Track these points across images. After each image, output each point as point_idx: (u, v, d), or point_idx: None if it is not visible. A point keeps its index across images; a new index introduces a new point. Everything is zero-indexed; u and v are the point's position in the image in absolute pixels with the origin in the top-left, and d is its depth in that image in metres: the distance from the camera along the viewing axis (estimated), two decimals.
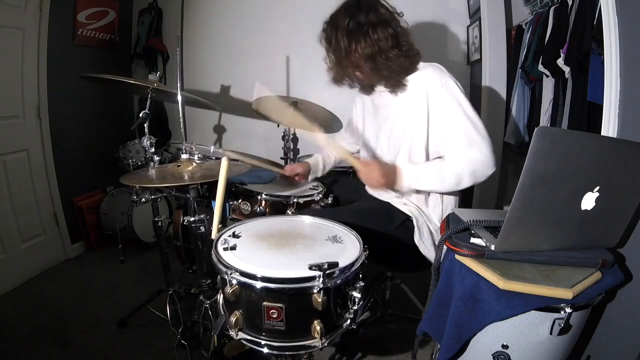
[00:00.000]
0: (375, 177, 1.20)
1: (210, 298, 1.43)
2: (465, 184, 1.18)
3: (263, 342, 0.87)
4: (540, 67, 1.75)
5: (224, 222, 1.49)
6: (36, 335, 1.68)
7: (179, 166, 1.35)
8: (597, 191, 0.82)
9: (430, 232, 1.31)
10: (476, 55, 2.23)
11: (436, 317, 0.98)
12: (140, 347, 1.61)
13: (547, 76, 1.78)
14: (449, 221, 1.05)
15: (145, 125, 1.62)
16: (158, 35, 2.75)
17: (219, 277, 0.89)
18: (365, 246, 0.95)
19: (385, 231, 1.26)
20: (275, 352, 0.88)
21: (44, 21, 2.11)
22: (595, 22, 1.36)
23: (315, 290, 0.81)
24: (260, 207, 1.43)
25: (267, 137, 2.59)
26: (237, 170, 1.35)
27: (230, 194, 1.50)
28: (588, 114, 1.50)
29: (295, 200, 1.43)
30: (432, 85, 1.20)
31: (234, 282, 0.84)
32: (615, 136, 1.01)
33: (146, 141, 1.58)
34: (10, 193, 2.05)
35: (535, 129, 0.73)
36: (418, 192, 1.32)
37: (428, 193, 1.33)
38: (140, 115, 1.61)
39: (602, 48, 1.11)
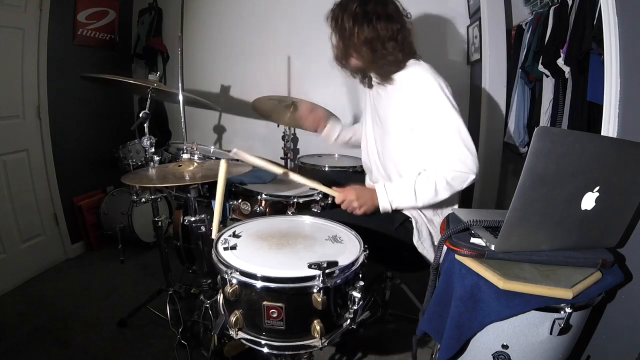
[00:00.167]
0: (353, 203, 1.24)
1: (210, 298, 1.43)
2: (443, 196, 1.19)
3: (263, 342, 0.87)
4: (540, 67, 1.75)
5: (224, 222, 1.50)
6: (36, 335, 1.68)
7: (180, 166, 1.36)
8: (597, 191, 0.82)
9: (430, 234, 1.31)
10: (476, 55, 2.23)
11: (436, 317, 0.98)
12: (140, 347, 1.61)
13: (547, 76, 1.77)
14: (449, 221, 1.05)
15: (145, 125, 1.62)
16: (158, 35, 2.75)
17: (219, 276, 0.89)
18: (365, 246, 0.96)
19: (385, 232, 1.26)
20: (275, 352, 0.89)
21: (44, 21, 2.11)
22: (595, 22, 1.36)
23: (315, 290, 0.81)
24: (260, 207, 1.43)
25: (267, 137, 2.59)
26: (237, 171, 1.35)
27: (230, 194, 1.50)
28: (588, 114, 1.50)
29: (295, 200, 1.43)
30: (418, 87, 1.22)
31: (234, 281, 0.84)
32: (615, 136, 1.01)
33: (146, 141, 1.58)
34: (10, 193, 2.05)
35: (535, 129, 0.73)
36: None
37: None
38: (140, 115, 1.61)
39: (602, 48, 1.11)
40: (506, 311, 0.82)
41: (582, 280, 0.83)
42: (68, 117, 2.38)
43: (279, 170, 1.26)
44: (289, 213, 1.41)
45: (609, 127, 1.02)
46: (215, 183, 1.04)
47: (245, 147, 2.66)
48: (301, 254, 0.92)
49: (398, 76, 1.27)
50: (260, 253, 0.93)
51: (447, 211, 1.34)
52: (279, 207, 1.44)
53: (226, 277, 0.84)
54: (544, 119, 1.82)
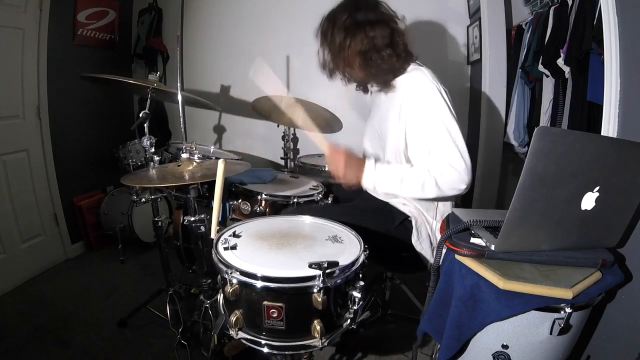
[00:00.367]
0: (339, 166, 1.20)
1: (210, 298, 1.43)
2: (429, 194, 1.16)
3: (263, 342, 0.87)
4: (540, 67, 1.75)
5: (224, 222, 1.50)
6: (36, 335, 1.68)
7: (179, 166, 1.36)
8: (597, 191, 0.82)
9: (429, 234, 1.31)
10: (476, 55, 2.23)
11: (436, 317, 0.98)
12: (140, 347, 1.61)
13: (547, 76, 1.78)
14: (449, 221, 1.05)
15: (145, 125, 1.62)
16: (158, 35, 2.75)
17: (219, 276, 0.89)
18: (365, 246, 0.96)
19: (384, 231, 1.26)
20: (275, 352, 0.89)
21: (44, 21, 2.11)
22: (595, 22, 1.36)
23: (315, 290, 0.81)
24: (260, 207, 1.43)
25: (267, 137, 2.59)
26: (237, 170, 1.35)
27: (230, 194, 1.50)
28: (588, 114, 1.50)
29: (295, 200, 1.43)
30: (417, 94, 1.19)
31: (234, 281, 0.84)
32: (615, 136, 1.01)
33: (146, 141, 1.58)
34: (10, 193, 2.05)
35: (535, 129, 0.73)
36: None
37: None
38: (140, 115, 1.61)
39: (602, 48, 1.11)
40: (506, 311, 0.82)
41: (582, 280, 0.83)
42: (68, 117, 2.38)
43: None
44: None
45: (609, 127, 1.02)
46: (215, 183, 1.04)
47: (245, 147, 2.68)
48: (301, 254, 0.92)
49: (398, 81, 1.25)
50: (261, 253, 0.93)
51: (446, 211, 1.34)
52: (278, 207, 1.44)
53: (226, 277, 0.84)
54: (544, 119, 1.82)
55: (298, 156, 2.30)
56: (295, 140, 2.50)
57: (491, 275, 0.83)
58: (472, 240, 0.92)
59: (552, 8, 1.70)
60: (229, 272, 0.84)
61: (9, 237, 2.06)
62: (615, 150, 0.82)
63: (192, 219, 1.35)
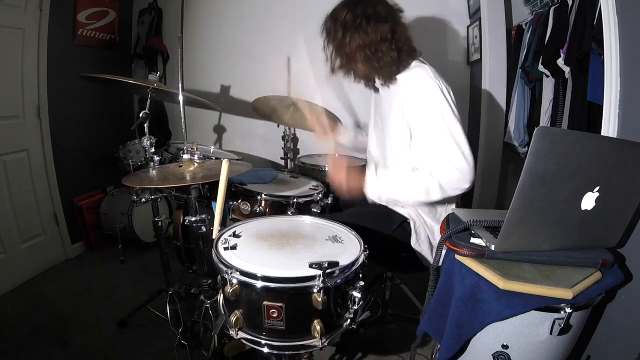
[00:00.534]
0: (342, 180, 1.22)
1: (210, 298, 1.43)
2: (434, 198, 1.16)
3: (263, 342, 0.87)
4: (540, 67, 1.75)
5: (224, 223, 1.50)
6: (36, 335, 1.68)
7: (180, 166, 1.36)
8: (597, 191, 0.82)
9: (427, 236, 1.31)
10: (476, 55, 2.23)
11: (436, 317, 0.98)
12: (140, 347, 1.61)
13: (547, 76, 1.77)
14: (449, 221, 1.05)
15: (145, 125, 1.62)
16: (158, 35, 2.75)
17: (219, 276, 0.89)
18: (365, 246, 0.96)
19: (384, 232, 1.26)
20: (275, 352, 0.89)
21: (44, 21, 2.11)
22: (595, 22, 1.36)
23: (315, 290, 0.81)
24: (260, 207, 1.43)
25: (267, 137, 2.59)
26: (237, 170, 1.35)
27: (230, 194, 1.50)
28: (588, 114, 1.50)
29: (295, 200, 1.43)
30: (418, 91, 1.19)
31: (235, 281, 0.84)
32: (615, 136, 1.01)
33: (146, 141, 1.58)
34: (10, 193, 2.05)
35: (535, 129, 0.73)
36: None
37: None
38: (140, 115, 1.61)
39: (602, 48, 1.11)
40: (506, 311, 0.82)
41: (582, 280, 0.83)
42: (68, 117, 2.38)
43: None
44: (289, 213, 1.41)
45: (609, 127, 1.02)
46: (215, 183, 1.04)
47: (245, 147, 2.68)
48: (301, 254, 0.92)
49: (400, 77, 1.26)
50: (261, 253, 0.93)
51: (445, 212, 1.34)
52: (278, 207, 1.44)
53: (226, 277, 0.84)
54: (544, 119, 1.82)
55: (298, 156, 2.29)
56: (295, 140, 2.49)
57: (491, 275, 0.83)
58: (472, 240, 0.92)
59: (552, 8, 1.70)
60: (229, 272, 0.84)
61: (9, 237, 2.06)
62: (615, 150, 0.82)
63: (193, 219, 1.35)
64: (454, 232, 0.95)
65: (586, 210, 0.83)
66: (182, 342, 1.53)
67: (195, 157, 1.37)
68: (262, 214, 1.42)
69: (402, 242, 1.29)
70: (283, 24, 2.52)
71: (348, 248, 0.96)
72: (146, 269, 2.30)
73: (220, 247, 0.95)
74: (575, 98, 1.59)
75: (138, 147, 2.27)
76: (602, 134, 1.04)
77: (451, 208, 1.34)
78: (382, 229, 1.26)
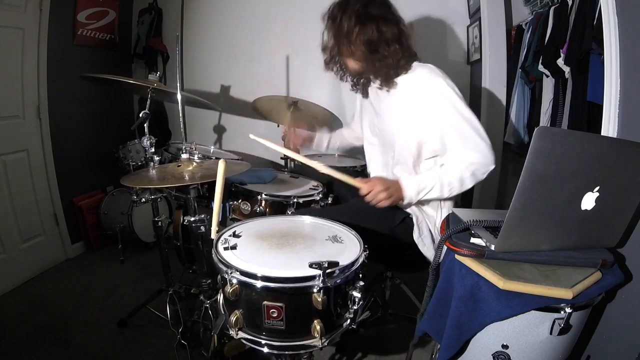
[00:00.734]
0: (380, 196, 1.19)
1: (210, 298, 1.43)
2: (468, 185, 1.20)
3: (263, 342, 0.87)
4: (540, 67, 1.75)
5: (224, 223, 1.49)
6: (36, 335, 1.68)
7: (179, 166, 1.36)
8: (597, 191, 0.82)
9: (430, 231, 1.31)
10: (476, 55, 2.23)
11: (436, 317, 0.98)
12: (140, 347, 1.61)
13: (547, 76, 1.77)
14: (449, 221, 1.05)
15: (145, 125, 1.62)
16: (158, 35, 2.75)
17: (219, 276, 0.89)
18: (365, 246, 0.96)
19: (385, 230, 1.26)
20: (275, 352, 0.89)
21: (44, 21, 2.11)
22: (595, 22, 1.36)
23: (315, 290, 0.81)
24: (260, 207, 1.43)
25: (267, 137, 2.56)
26: (237, 170, 1.35)
27: (230, 194, 1.50)
28: (588, 114, 1.50)
29: (295, 200, 1.43)
30: (425, 88, 1.21)
31: (234, 281, 0.84)
32: (615, 136, 1.01)
33: (146, 141, 1.58)
34: (10, 193, 2.05)
35: (535, 129, 0.73)
36: None
37: None
38: (140, 115, 1.61)
39: (602, 48, 1.11)
40: (506, 311, 0.82)
41: (582, 280, 0.83)
42: (68, 117, 2.38)
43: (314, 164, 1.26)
44: (289, 213, 1.41)
45: (609, 127, 1.02)
46: (215, 183, 1.04)
47: (245, 147, 2.67)
48: (301, 253, 0.92)
49: (402, 79, 1.26)
50: (261, 253, 0.93)
51: (447, 210, 1.34)
52: (278, 207, 1.44)
53: (226, 277, 0.84)
54: (544, 119, 1.82)
55: None
56: None
57: (491, 275, 0.83)
58: (472, 240, 0.92)
59: (552, 8, 1.70)
60: (229, 272, 0.84)
61: (9, 237, 2.06)
62: (615, 150, 0.82)
63: (192, 219, 1.35)
64: (454, 232, 0.95)
65: (586, 210, 0.83)
66: (182, 342, 1.53)
67: (195, 157, 1.37)
68: (262, 214, 1.42)
69: (403, 240, 1.29)
70: (283, 24, 2.52)
71: (348, 248, 0.96)
72: (146, 269, 2.30)
73: (220, 247, 0.95)
74: (575, 98, 1.59)
75: (138, 147, 2.26)
76: (602, 134, 1.04)
77: (451, 206, 1.34)
78: (384, 227, 1.26)
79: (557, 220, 0.85)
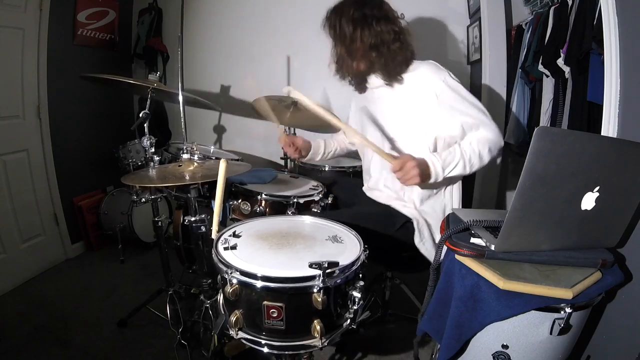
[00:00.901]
0: (413, 172, 1.15)
1: (210, 298, 1.43)
2: (485, 161, 1.22)
3: (263, 342, 0.87)
4: (540, 67, 1.75)
5: (224, 222, 1.49)
6: (36, 335, 1.68)
7: (180, 166, 1.36)
8: (597, 191, 0.82)
9: (431, 233, 1.31)
10: (476, 55, 2.23)
11: (436, 317, 0.98)
12: (140, 347, 1.61)
13: (547, 76, 1.77)
14: (449, 221, 1.05)
15: (145, 125, 1.62)
16: (158, 35, 2.75)
17: (219, 276, 0.89)
18: (366, 246, 0.95)
19: (385, 232, 1.26)
20: (275, 352, 0.89)
21: (44, 21, 2.11)
22: (595, 22, 1.36)
23: (315, 290, 0.81)
24: (260, 207, 1.43)
25: (267, 137, 2.59)
26: (237, 171, 1.35)
27: (230, 194, 1.50)
28: (588, 114, 1.50)
29: (295, 200, 1.42)
30: (431, 83, 1.23)
31: (234, 281, 0.84)
32: (615, 136, 1.01)
33: (146, 141, 1.58)
34: (10, 193, 2.05)
35: (535, 129, 0.73)
36: (418, 191, 1.32)
37: (428, 195, 1.33)
38: (140, 115, 1.61)
39: (602, 48, 1.11)
40: (506, 311, 0.82)
41: (582, 280, 0.83)
42: (68, 117, 2.38)
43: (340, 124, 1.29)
44: (289, 213, 1.41)
45: (609, 127, 1.02)
46: (215, 183, 1.04)
47: (245, 147, 2.67)
48: (301, 253, 0.92)
49: (407, 76, 1.28)
50: (261, 253, 0.93)
51: (447, 211, 1.34)
52: (278, 207, 1.44)
53: (226, 276, 0.84)
54: (544, 119, 1.82)
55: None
56: None
57: (491, 275, 0.83)
58: (472, 240, 0.92)
59: (552, 8, 1.70)
60: (229, 272, 0.84)
61: (9, 237, 2.06)
62: (615, 150, 0.82)
63: (192, 219, 1.35)
64: (454, 232, 0.95)
65: (586, 210, 0.83)
66: (182, 342, 1.53)
67: (195, 157, 1.37)
68: (262, 214, 1.42)
69: (403, 242, 1.29)
70: (283, 24, 2.52)
71: (348, 248, 0.96)
72: (146, 269, 2.30)
73: (220, 247, 0.95)
74: (575, 98, 1.59)
75: (138, 147, 2.26)
76: (602, 134, 1.04)
77: (451, 207, 1.34)
78: (385, 230, 1.26)
79: (557, 220, 0.85)
